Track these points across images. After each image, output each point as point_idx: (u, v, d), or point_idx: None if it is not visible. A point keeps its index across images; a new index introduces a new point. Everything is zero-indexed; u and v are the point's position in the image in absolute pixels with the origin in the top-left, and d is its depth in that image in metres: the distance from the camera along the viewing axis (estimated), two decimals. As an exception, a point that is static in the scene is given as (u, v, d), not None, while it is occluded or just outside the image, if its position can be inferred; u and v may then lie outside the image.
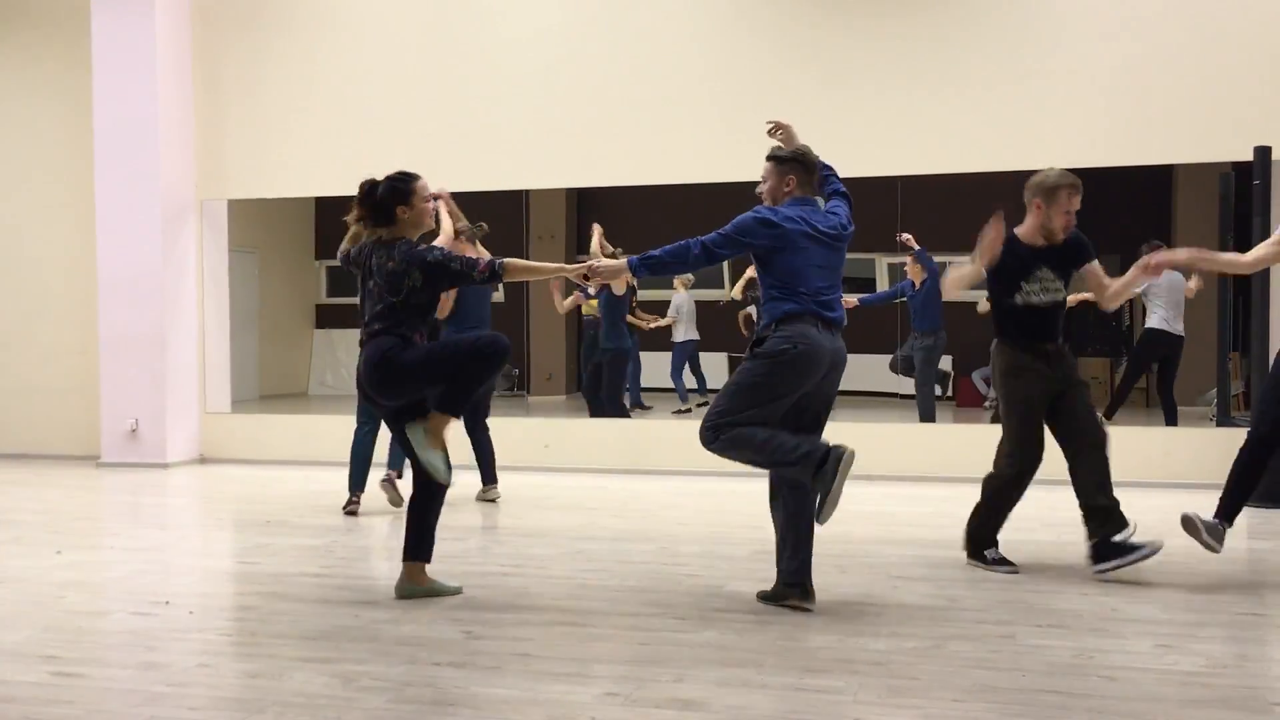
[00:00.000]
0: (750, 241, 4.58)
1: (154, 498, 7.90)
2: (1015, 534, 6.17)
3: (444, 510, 7.08)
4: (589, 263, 4.91)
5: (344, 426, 10.18)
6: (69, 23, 9.85)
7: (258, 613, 4.66)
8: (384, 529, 6.51)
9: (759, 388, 4.47)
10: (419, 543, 4.81)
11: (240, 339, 11.63)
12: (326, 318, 15.57)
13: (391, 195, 4.70)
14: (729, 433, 4.44)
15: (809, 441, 4.39)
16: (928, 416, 10.02)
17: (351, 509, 6.90)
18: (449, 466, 4.70)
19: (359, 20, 9.52)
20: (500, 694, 3.56)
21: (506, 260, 4.68)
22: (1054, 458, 8.12)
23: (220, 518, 7.30)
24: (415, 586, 4.79)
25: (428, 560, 4.83)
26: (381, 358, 4.57)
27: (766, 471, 4.59)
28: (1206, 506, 6.98)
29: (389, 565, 5.50)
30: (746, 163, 8.71)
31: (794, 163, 4.86)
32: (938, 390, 10.32)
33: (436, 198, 7.28)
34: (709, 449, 4.51)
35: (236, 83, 9.76)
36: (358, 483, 6.96)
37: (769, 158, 4.89)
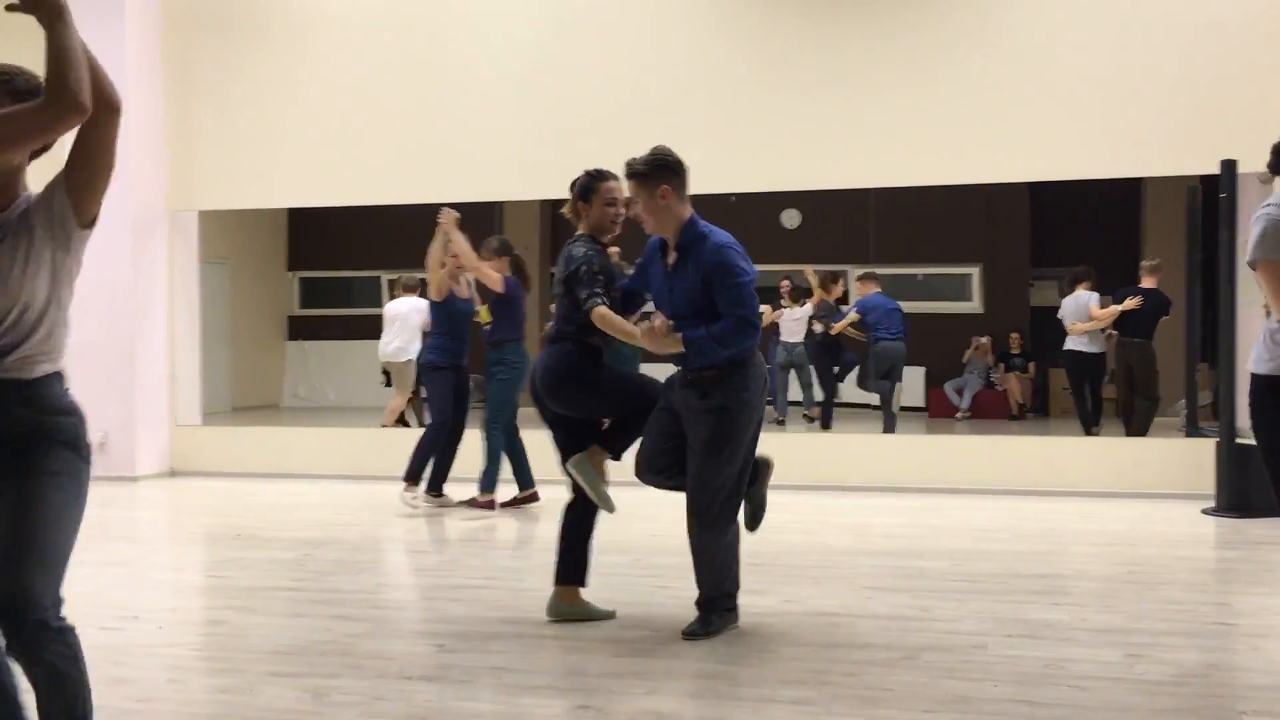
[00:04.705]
0: (750, 270, 4.25)
1: (123, 511, 7.82)
2: (988, 544, 6.21)
3: (417, 522, 7.09)
4: (655, 326, 4.27)
5: (317, 439, 10.17)
6: (37, 30, 9.77)
7: (228, 627, 4.62)
8: (355, 541, 6.47)
9: (749, 440, 4.31)
10: (574, 565, 4.62)
11: (212, 350, 11.54)
12: (299, 329, 15.48)
13: (577, 191, 4.62)
14: (719, 526, 4.29)
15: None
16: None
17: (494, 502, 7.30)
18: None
19: (332, 31, 9.49)
20: (473, 708, 3.54)
21: (602, 310, 4.35)
22: (1025, 467, 8.19)
23: (191, 531, 7.24)
24: (568, 607, 4.61)
25: (583, 584, 4.63)
26: (565, 369, 4.47)
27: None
28: (1177, 517, 7.06)
29: (361, 578, 5.48)
30: (725, 174, 8.76)
31: (662, 170, 4.27)
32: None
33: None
34: (699, 515, 4.31)
35: (208, 93, 9.70)
36: (491, 483, 7.31)
37: (630, 174, 4.32)
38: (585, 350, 4.50)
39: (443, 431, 7.39)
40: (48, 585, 2.46)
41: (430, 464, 7.40)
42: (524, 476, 7.40)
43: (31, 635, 2.44)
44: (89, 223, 2.57)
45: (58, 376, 2.58)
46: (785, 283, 11.57)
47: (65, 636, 2.49)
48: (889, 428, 10.03)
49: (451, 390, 7.41)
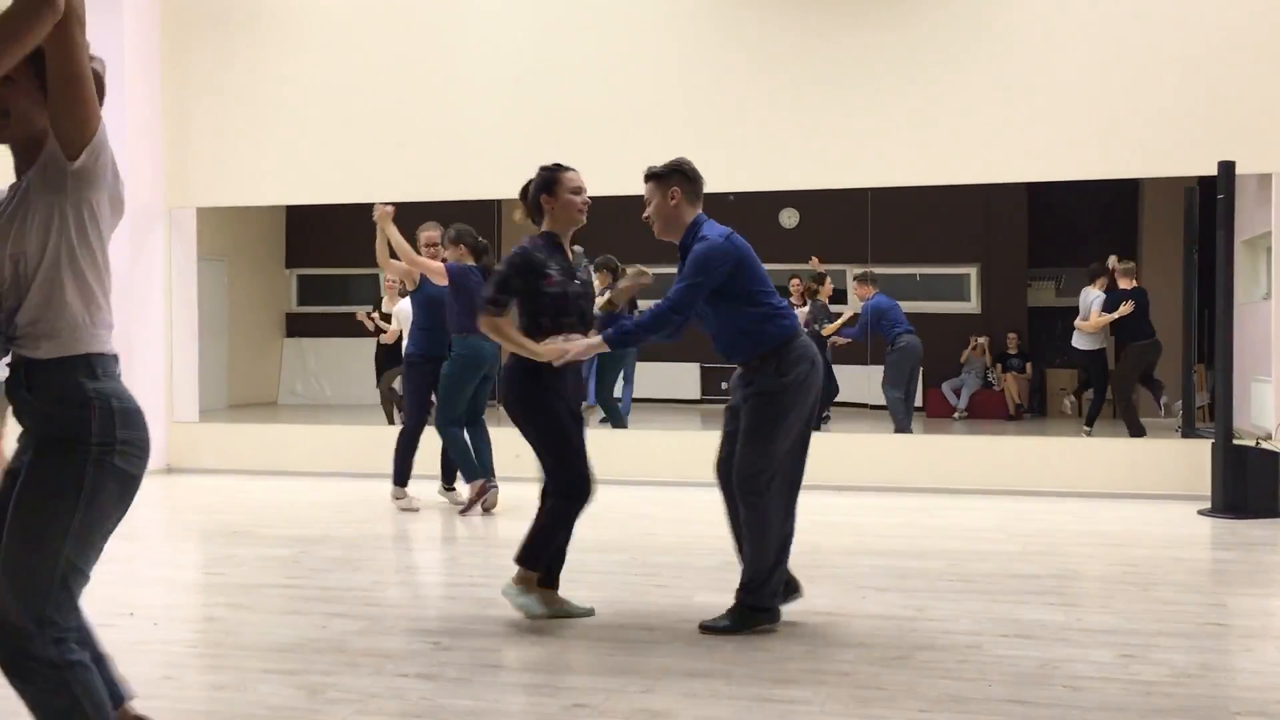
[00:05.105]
0: (717, 274, 4.30)
1: (119, 507, 7.81)
2: (981, 544, 6.22)
3: (413, 519, 7.09)
4: (558, 345, 4.41)
5: (313, 436, 10.17)
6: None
7: (223, 624, 4.62)
8: (352, 538, 6.47)
9: (792, 422, 4.31)
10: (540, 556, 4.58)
11: (209, 347, 11.54)
12: (296, 326, 15.49)
13: (539, 186, 4.64)
14: (767, 495, 4.30)
15: (785, 569, 4.38)
16: (902, 428, 10.00)
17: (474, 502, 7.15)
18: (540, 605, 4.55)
19: (330, 28, 9.49)
20: (468, 705, 3.54)
21: (489, 319, 4.47)
22: (1021, 467, 8.19)
23: (186, 528, 7.24)
24: (519, 590, 4.57)
25: (538, 572, 4.58)
26: (518, 385, 4.49)
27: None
28: (1173, 518, 7.08)
29: (357, 576, 5.48)
30: (723, 174, 8.74)
31: (676, 174, 4.48)
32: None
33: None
34: (744, 498, 4.35)
35: (206, 90, 9.70)
36: (476, 471, 7.15)
37: (648, 176, 4.52)
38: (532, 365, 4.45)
39: (416, 432, 7.31)
40: (23, 607, 2.28)
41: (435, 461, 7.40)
42: (483, 466, 7.26)
43: (8, 658, 2.30)
44: (77, 152, 2.30)
45: (78, 361, 2.35)
46: (795, 281, 11.51)
47: (53, 670, 2.30)
48: (906, 428, 9.96)
49: (430, 387, 7.30)
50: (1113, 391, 10.09)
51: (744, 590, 4.38)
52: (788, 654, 4.08)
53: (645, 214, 4.54)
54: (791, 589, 4.54)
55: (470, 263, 7.16)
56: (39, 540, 2.30)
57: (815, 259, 11.50)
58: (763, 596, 4.37)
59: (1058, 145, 8.27)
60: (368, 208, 9.99)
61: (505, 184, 9.26)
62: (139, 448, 2.42)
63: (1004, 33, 8.40)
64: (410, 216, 7.66)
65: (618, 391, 10.62)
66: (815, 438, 4.62)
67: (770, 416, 4.30)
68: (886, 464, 8.50)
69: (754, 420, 4.33)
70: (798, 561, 5.66)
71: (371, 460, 9.14)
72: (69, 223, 2.33)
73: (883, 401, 10.57)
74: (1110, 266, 10.18)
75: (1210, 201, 7.71)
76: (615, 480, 8.70)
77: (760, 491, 4.31)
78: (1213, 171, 7.49)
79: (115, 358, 2.44)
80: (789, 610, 4.64)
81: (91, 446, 2.33)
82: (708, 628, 4.36)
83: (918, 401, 13.02)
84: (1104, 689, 3.67)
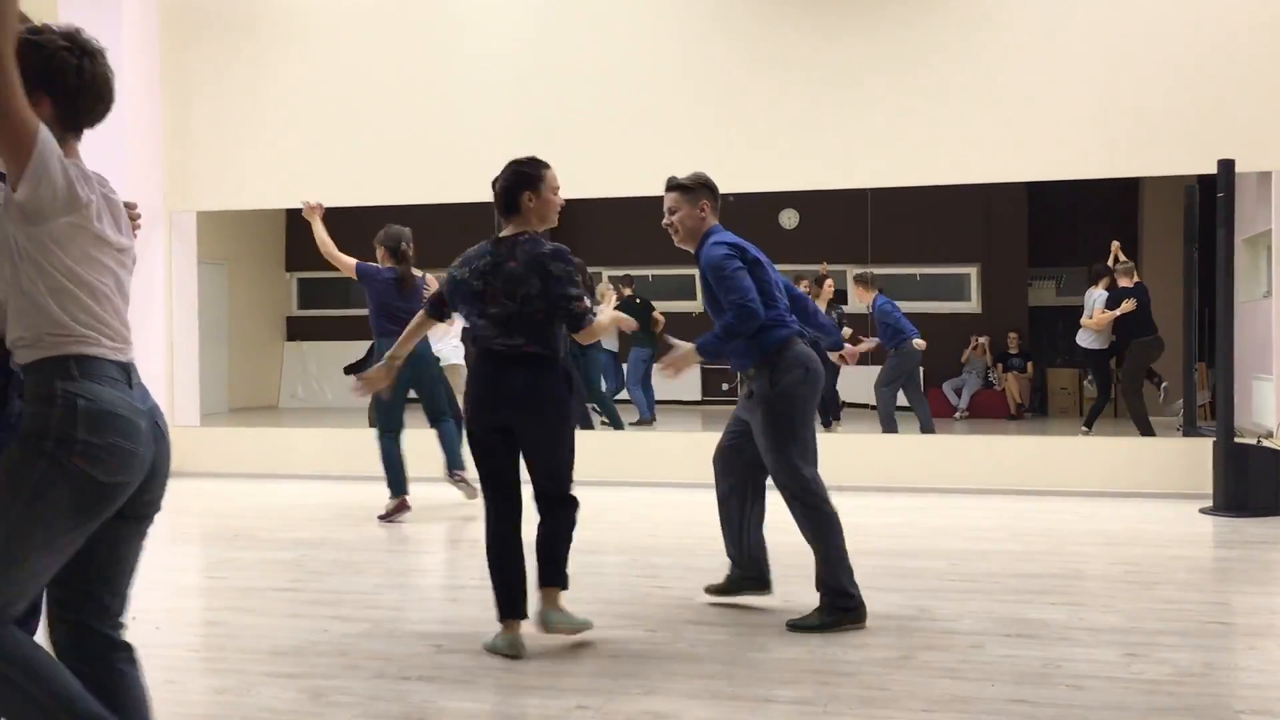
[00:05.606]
0: (734, 259, 4.39)
1: (121, 512, 7.79)
2: (984, 544, 6.21)
3: (413, 521, 7.08)
4: (669, 360, 4.46)
5: (315, 440, 10.16)
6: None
7: (225, 627, 4.62)
8: (353, 541, 6.47)
9: (797, 428, 4.41)
10: (553, 570, 4.34)
11: (210, 351, 11.54)
12: (297, 330, 15.48)
13: (522, 182, 4.24)
14: (813, 502, 4.43)
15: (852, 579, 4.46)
16: (890, 427, 9.92)
17: (392, 515, 7.14)
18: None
19: (329, 31, 9.49)
20: (470, 708, 3.54)
21: (596, 320, 4.26)
22: (1023, 466, 8.19)
23: (188, 531, 7.24)
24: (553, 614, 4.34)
25: (564, 587, 4.33)
26: (552, 390, 4.31)
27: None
28: (1174, 516, 7.07)
29: (358, 579, 5.47)
30: (723, 175, 8.71)
31: (704, 189, 4.58)
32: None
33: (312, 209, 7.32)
34: (794, 507, 4.48)
35: (206, 93, 9.71)
36: (401, 487, 7.18)
37: (673, 186, 4.57)
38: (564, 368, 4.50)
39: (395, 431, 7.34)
40: None
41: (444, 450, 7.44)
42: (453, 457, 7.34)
43: None
44: (14, 185, 2.23)
45: (55, 362, 2.29)
46: (804, 283, 11.44)
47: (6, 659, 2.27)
48: (930, 427, 9.90)
49: (404, 388, 7.34)
50: (1120, 392, 10.11)
51: (825, 588, 4.46)
52: (790, 654, 4.08)
53: (666, 221, 4.61)
54: (762, 584, 4.79)
55: (387, 265, 7.16)
56: None
57: (824, 265, 11.49)
58: (848, 595, 4.42)
59: (1058, 145, 8.27)
60: (368, 210, 10.04)
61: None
62: (110, 454, 2.28)
63: (1004, 33, 8.40)
64: (410, 218, 7.66)
65: (622, 395, 10.62)
66: (817, 438, 4.64)
67: (773, 423, 4.42)
68: (887, 464, 8.49)
69: (762, 431, 4.45)
70: (801, 561, 5.65)
71: (372, 463, 9.13)
72: (24, 250, 2.27)
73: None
74: (1112, 253, 10.22)
75: (1210, 200, 7.70)
76: (616, 481, 8.71)
77: (804, 494, 4.43)
78: (1212, 170, 7.49)
79: (113, 364, 2.35)
80: (792, 613, 4.64)
81: (47, 442, 2.24)
82: (795, 626, 4.43)
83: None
84: (1107, 688, 3.67)
